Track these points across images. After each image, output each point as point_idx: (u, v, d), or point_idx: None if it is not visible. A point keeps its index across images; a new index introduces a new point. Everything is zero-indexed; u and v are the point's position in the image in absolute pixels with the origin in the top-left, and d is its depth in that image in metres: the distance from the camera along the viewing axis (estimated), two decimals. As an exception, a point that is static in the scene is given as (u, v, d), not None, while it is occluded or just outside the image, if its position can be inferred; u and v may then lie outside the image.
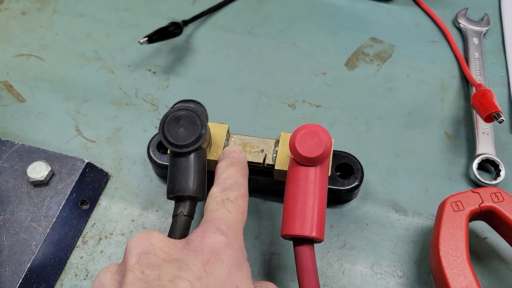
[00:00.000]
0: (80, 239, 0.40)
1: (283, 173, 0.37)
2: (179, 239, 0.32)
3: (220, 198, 0.31)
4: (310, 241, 0.33)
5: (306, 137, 0.33)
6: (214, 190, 0.32)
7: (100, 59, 0.51)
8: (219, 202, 0.31)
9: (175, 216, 0.33)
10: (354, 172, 0.39)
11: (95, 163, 0.42)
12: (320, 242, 0.34)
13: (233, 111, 0.47)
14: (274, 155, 0.38)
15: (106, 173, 0.43)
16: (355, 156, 0.40)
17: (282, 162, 0.37)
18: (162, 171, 0.42)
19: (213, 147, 0.37)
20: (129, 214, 0.41)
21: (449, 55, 0.51)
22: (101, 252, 0.39)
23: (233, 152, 0.36)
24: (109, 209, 0.41)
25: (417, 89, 0.48)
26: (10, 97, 0.48)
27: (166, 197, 0.34)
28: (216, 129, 0.38)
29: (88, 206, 0.41)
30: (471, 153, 0.43)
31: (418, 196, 0.42)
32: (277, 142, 0.38)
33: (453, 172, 0.43)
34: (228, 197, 0.31)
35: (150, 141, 0.42)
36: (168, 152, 0.35)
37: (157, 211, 0.41)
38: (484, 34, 0.52)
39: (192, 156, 0.34)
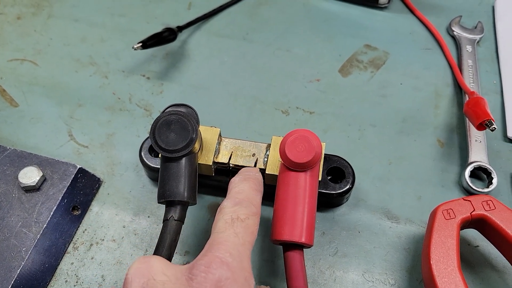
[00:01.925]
0: (71, 245, 0.40)
1: (274, 177, 0.36)
2: (168, 250, 0.31)
3: (229, 216, 0.29)
4: (299, 247, 0.33)
5: (296, 142, 0.33)
6: (225, 204, 0.31)
7: (94, 64, 0.51)
8: (228, 222, 0.29)
9: (165, 220, 0.33)
10: (345, 176, 0.39)
11: (87, 169, 0.41)
12: (309, 247, 0.34)
13: (226, 116, 0.47)
14: (266, 159, 0.38)
15: (98, 179, 0.43)
16: (347, 160, 0.40)
17: (273, 167, 0.37)
18: (154, 175, 0.42)
19: (204, 150, 0.37)
20: (121, 220, 0.41)
21: (443, 63, 0.51)
22: (92, 258, 0.39)
23: (250, 171, 0.35)
24: (100, 215, 0.41)
25: (411, 96, 0.48)
26: (3, 101, 0.48)
27: (157, 202, 0.34)
28: (207, 132, 0.38)
29: (80, 212, 0.40)
30: (464, 161, 0.43)
31: (411, 204, 0.41)
32: (269, 146, 0.38)
33: (445, 180, 0.43)
34: (239, 215, 0.29)
35: (142, 144, 0.42)
36: (159, 156, 0.35)
37: (148, 217, 0.41)
38: (478, 42, 0.52)
39: (183, 160, 0.34)
